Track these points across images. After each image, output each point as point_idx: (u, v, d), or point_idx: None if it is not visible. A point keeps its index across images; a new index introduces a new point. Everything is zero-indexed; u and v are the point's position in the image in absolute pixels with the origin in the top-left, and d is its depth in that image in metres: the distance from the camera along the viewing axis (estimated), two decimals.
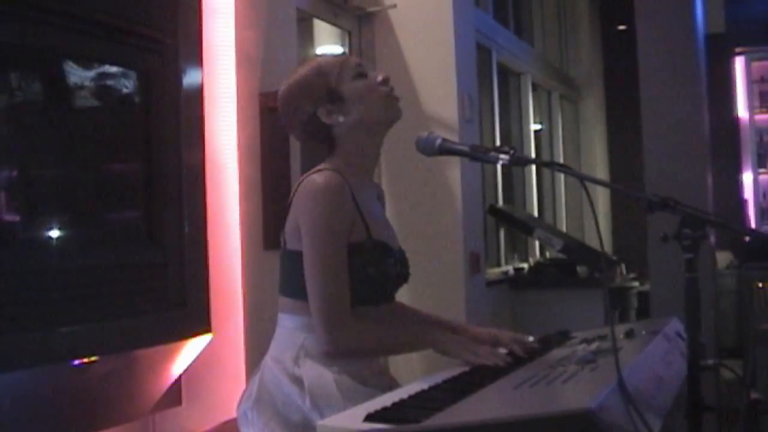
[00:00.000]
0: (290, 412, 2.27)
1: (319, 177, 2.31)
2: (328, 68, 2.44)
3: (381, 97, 2.45)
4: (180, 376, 3.29)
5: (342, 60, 2.48)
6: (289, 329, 2.36)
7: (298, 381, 2.28)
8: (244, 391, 2.42)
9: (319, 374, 2.27)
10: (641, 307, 6.83)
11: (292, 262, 2.34)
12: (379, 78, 2.47)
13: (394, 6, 5.11)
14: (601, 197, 9.00)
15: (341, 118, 2.41)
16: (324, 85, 2.41)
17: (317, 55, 2.34)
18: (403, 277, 2.51)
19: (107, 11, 2.93)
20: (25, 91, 2.79)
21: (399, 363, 2.51)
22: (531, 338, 2.64)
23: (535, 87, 8.01)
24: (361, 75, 2.46)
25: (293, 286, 2.36)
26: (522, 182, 7.75)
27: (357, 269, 2.30)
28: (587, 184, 2.06)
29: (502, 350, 2.35)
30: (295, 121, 2.46)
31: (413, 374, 2.47)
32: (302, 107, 2.42)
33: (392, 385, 2.37)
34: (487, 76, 6.59)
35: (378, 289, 2.39)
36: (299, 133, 2.50)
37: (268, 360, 2.39)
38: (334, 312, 2.26)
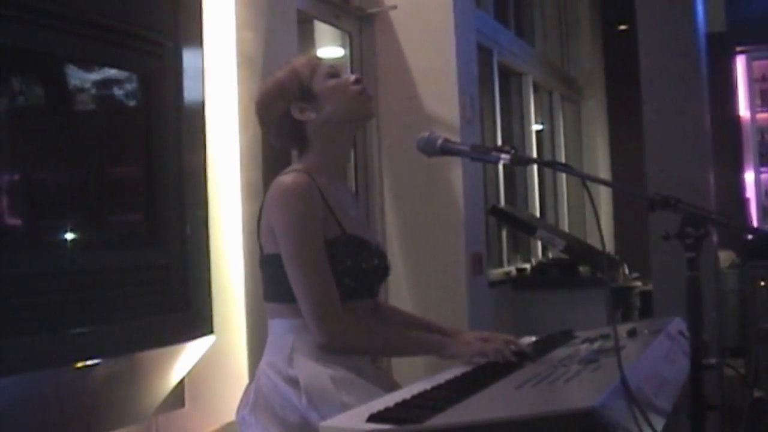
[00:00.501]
0: (288, 414, 2.28)
1: (285, 178, 2.37)
2: (301, 68, 2.50)
3: (352, 95, 2.49)
4: (183, 378, 3.30)
5: (315, 61, 2.56)
6: (279, 334, 2.39)
7: (293, 381, 2.29)
8: (242, 399, 2.43)
9: (313, 372, 2.28)
10: (644, 307, 6.82)
11: (271, 266, 2.38)
12: (352, 78, 2.52)
13: (395, 7, 5.11)
14: (603, 197, 9.00)
15: (313, 115, 2.46)
16: (297, 83, 2.47)
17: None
18: (382, 270, 2.54)
19: (108, 14, 2.93)
20: (26, 94, 2.80)
21: (402, 363, 2.51)
22: (533, 338, 2.64)
23: (536, 87, 8.01)
24: (334, 75, 2.51)
25: (276, 290, 2.39)
26: (524, 182, 7.74)
27: (335, 264, 2.33)
28: (589, 183, 2.06)
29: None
30: (270, 121, 2.51)
31: (416, 374, 2.47)
32: (276, 105, 2.48)
33: (387, 378, 2.42)
34: (488, 76, 6.59)
35: (359, 282, 2.41)
36: (274, 134, 2.54)
37: (262, 365, 2.40)
38: (325, 306, 2.28)
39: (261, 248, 2.42)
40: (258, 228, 2.43)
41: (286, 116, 2.47)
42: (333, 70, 2.53)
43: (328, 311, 2.28)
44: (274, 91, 2.50)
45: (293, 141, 2.53)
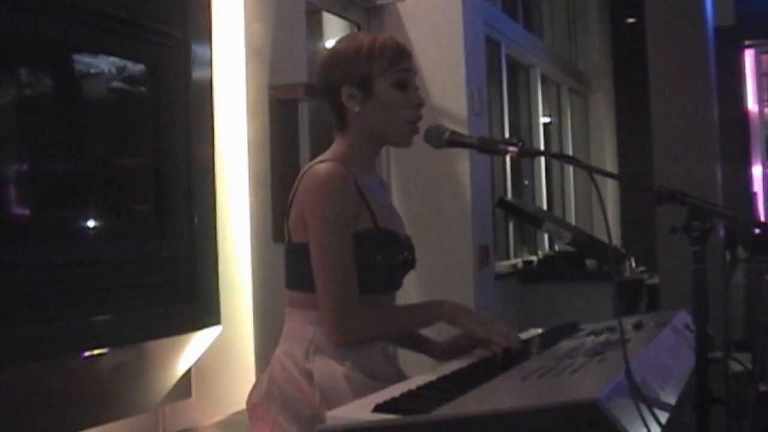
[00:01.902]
0: (301, 407, 2.25)
1: (321, 167, 2.29)
2: (380, 55, 2.36)
3: (405, 120, 2.39)
4: (190, 368, 3.31)
5: (398, 56, 2.40)
6: (299, 323, 2.35)
7: (308, 375, 2.26)
8: (254, 386, 2.41)
9: (329, 369, 2.25)
10: (651, 300, 6.83)
11: (298, 254, 2.33)
12: (417, 102, 2.40)
13: None
14: (611, 190, 9.00)
15: (357, 109, 2.35)
16: (365, 69, 2.35)
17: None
18: (410, 263, 2.48)
19: (117, 5, 2.94)
20: (35, 84, 2.81)
21: (408, 354, 2.52)
22: (539, 331, 2.65)
23: (544, 80, 8.01)
24: (401, 86, 2.38)
25: (300, 279, 2.34)
26: (531, 175, 7.75)
27: (365, 258, 2.28)
28: (596, 176, 2.07)
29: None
30: (322, 81, 2.41)
31: (422, 365, 2.47)
32: (334, 73, 2.36)
33: (400, 376, 2.36)
34: (496, 69, 6.59)
35: (386, 277, 2.37)
36: (321, 95, 2.44)
37: (278, 354, 2.37)
38: (344, 302, 2.25)
39: (288, 235, 2.37)
40: (287, 215, 2.36)
41: (335, 89, 2.36)
42: (405, 78, 2.39)
43: (344, 307, 2.25)
44: (341, 58, 2.36)
45: (333, 116, 2.42)
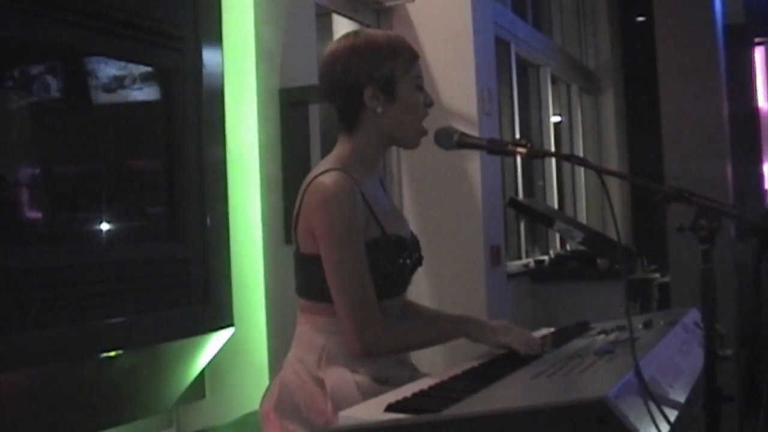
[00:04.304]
0: (312, 415, 2.26)
1: (327, 179, 2.27)
2: (403, 56, 2.37)
3: (419, 122, 2.41)
4: (203, 369, 3.33)
5: (414, 57, 2.41)
6: (311, 330, 2.35)
7: (320, 383, 2.27)
8: (266, 392, 2.41)
9: (341, 378, 2.25)
10: (662, 299, 6.82)
11: (308, 265, 2.33)
12: (429, 100, 2.42)
13: (413, 0, 5.12)
14: (621, 188, 8.98)
15: (379, 109, 2.34)
16: (389, 70, 2.34)
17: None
18: (418, 263, 2.49)
19: (128, 8, 2.96)
20: (47, 88, 2.82)
21: (421, 354, 2.53)
22: (551, 330, 2.66)
23: (554, 79, 8.00)
24: (420, 87, 2.40)
25: (311, 289, 2.34)
26: (542, 174, 7.75)
27: (375, 266, 2.28)
28: (606, 176, 2.08)
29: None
30: (336, 81, 2.36)
31: (434, 365, 2.49)
32: (358, 72, 2.33)
33: (413, 375, 2.35)
34: (506, 68, 6.59)
35: (397, 282, 2.39)
36: (329, 94, 2.40)
37: (291, 359, 2.37)
38: (363, 315, 2.24)
39: (297, 245, 2.36)
40: (295, 226, 2.35)
41: (355, 89, 2.34)
42: (421, 81, 2.41)
43: (366, 320, 2.24)
44: (364, 58, 2.34)
45: (341, 115, 2.40)
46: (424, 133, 2.43)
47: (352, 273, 2.25)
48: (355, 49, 2.36)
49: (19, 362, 2.52)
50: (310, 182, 2.32)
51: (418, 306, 2.70)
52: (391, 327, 2.32)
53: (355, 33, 2.44)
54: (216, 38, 3.39)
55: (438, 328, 2.43)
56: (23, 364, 2.54)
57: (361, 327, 2.24)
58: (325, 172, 2.30)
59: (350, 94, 2.35)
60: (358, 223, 2.27)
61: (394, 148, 4.96)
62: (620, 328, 2.41)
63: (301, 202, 2.33)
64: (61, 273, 2.68)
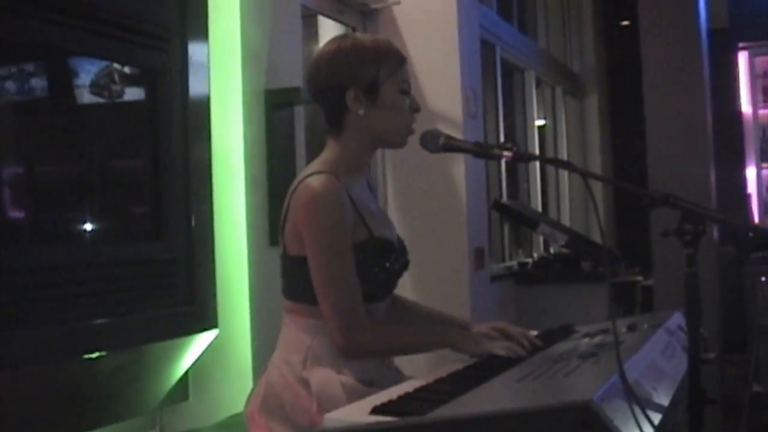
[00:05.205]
0: (297, 415, 2.26)
1: (314, 182, 2.28)
2: (386, 59, 2.38)
3: (404, 125, 2.42)
4: (187, 370, 3.32)
5: (401, 61, 2.42)
6: (296, 331, 2.36)
7: (306, 383, 2.27)
8: (251, 393, 2.42)
9: (326, 378, 2.26)
10: (645, 302, 6.84)
11: (295, 267, 2.33)
12: (415, 105, 2.44)
13: (398, 2, 5.12)
14: (605, 192, 9.00)
15: (362, 112, 2.35)
16: (373, 72, 2.35)
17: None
18: (405, 267, 2.50)
19: (113, 8, 2.94)
20: (32, 88, 2.81)
21: (404, 357, 2.53)
22: (535, 333, 2.67)
23: (538, 83, 8.02)
24: (405, 91, 2.41)
25: (297, 290, 2.35)
26: (526, 177, 7.76)
27: (362, 268, 2.29)
28: (590, 180, 2.09)
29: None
30: (321, 83, 2.39)
31: (418, 368, 2.49)
32: (340, 74, 2.36)
33: (398, 378, 2.36)
34: (491, 71, 6.60)
35: (384, 285, 2.40)
36: (316, 96, 2.43)
37: (276, 360, 2.38)
38: (349, 317, 2.25)
39: (284, 246, 2.36)
40: (282, 227, 2.36)
41: (338, 91, 2.35)
42: (407, 85, 2.42)
43: (352, 322, 2.25)
44: (347, 60, 2.36)
45: (328, 117, 2.42)
46: (411, 132, 2.44)
47: (339, 275, 2.25)
48: (339, 52, 2.38)
49: (1, 363, 2.51)
50: (298, 184, 2.33)
51: (407, 302, 2.71)
52: (376, 330, 2.33)
53: (343, 36, 2.47)
54: (202, 39, 3.38)
55: (424, 335, 2.44)
56: (5, 364, 2.52)
57: (346, 329, 2.25)
58: (312, 175, 2.31)
59: (334, 96, 2.37)
60: (345, 226, 2.28)
61: (379, 151, 4.97)
62: (604, 331, 2.42)
63: (288, 204, 2.34)
64: (45, 273, 2.67)
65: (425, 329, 2.54)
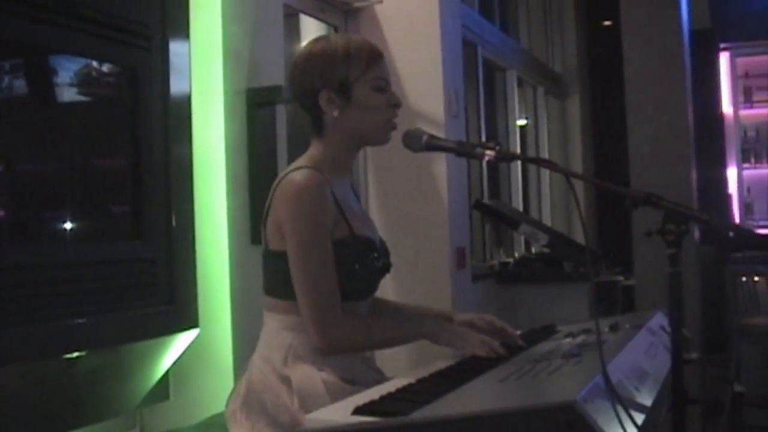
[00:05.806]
0: (279, 413, 2.25)
1: (297, 176, 2.29)
2: (356, 58, 2.37)
3: (384, 121, 2.41)
4: (168, 370, 3.30)
5: (374, 59, 2.40)
6: (277, 328, 2.35)
7: (287, 381, 2.27)
8: (232, 392, 2.41)
9: (307, 375, 2.26)
10: (627, 302, 6.86)
11: (276, 262, 2.33)
12: (394, 101, 2.42)
13: (381, 1, 5.12)
14: (587, 192, 9.02)
15: (336, 113, 2.36)
16: (343, 73, 2.35)
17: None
18: (386, 268, 2.50)
19: (94, 5, 2.93)
20: (11, 85, 2.80)
21: (385, 356, 2.53)
22: (517, 332, 2.66)
23: (520, 82, 8.02)
24: (381, 89, 2.40)
25: (278, 286, 2.35)
26: (508, 177, 7.76)
27: (342, 266, 2.29)
28: (572, 179, 2.09)
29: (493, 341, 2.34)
30: (296, 87, 2.42)
31: (399, 367, 2.49)
32: (311, 77, 2.37)
33: (379, 379, 2.36)
34: (472, 71, 6.60)
35: (364, 284, 2.40)
36: (296, 99, 2.45)
37: (256, 359, 2.37)
38: (326, 312, 2.25)
39: (266, 242, 2.37)
40: (264, 222, 2.36)
41: (311, 94, 2.37)
42: (383, 82, 2.40)
43: (329, 317, 2.25)
44: (318, 63, 2.36)
45: (310, 119, 2.43)
46: (392, 128, 2.44)
47: (317, 270, 2.26)
48: (311, 55, 2.40)
49: None
50: (282, 179, 2.34)
51: (389, 302, 2.72)
52: (353, 325, 2.32)
53: (317, 39, 2.47)
54: (183, 37, 3.36)
55: (399, 327, 2.43)
56: None
57: (323, 324, 2.25)
58: (296, 169, 2.33)
59: (309, 100, 2.39)
60: (326, 221, 2.28)
61: (359, 154, 4.97)
62: (586, 331, 2.42)
63: (271, 198, 2.35)
64: (23, 272, 2.65)
65: (401, 322, 2.53)
